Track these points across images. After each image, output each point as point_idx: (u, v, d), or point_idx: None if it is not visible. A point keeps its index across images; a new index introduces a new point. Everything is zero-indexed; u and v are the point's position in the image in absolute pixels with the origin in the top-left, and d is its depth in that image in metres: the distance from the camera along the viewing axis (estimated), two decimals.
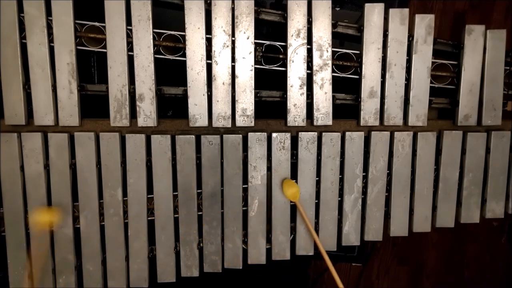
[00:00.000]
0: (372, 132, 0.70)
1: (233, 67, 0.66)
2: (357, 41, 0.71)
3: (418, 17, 0.68)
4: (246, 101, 0.67)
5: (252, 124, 0.67)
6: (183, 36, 0.65)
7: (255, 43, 0.66)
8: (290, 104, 0.68)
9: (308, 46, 0.67)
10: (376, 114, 0.69)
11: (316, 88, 0.68)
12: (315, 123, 0.68)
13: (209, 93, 0.66)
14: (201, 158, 0.67)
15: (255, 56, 0.66)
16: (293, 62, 0.67)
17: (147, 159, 0.67)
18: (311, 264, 1.52)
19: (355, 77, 0.70)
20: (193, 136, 0.66)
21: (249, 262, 0.71)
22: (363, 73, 0.68)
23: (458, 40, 0.72)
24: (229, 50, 0.65)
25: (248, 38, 0.66)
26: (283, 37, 0.67)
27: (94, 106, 0.68)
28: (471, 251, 1.65)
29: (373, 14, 0.67)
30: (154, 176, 0.67)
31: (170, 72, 0.68)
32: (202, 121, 0.66)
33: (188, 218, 0.69)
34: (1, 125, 0.65)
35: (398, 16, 0.68)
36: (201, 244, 0.70)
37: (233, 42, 0.66)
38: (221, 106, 0.66)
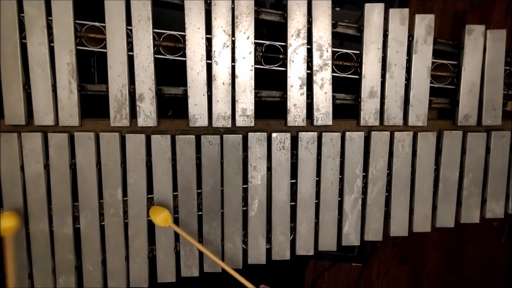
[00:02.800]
0: (372, 132, 0.70)
1: (233, 67, 0.66)
2: (357, 41, 0.71)
3: (418, 17, 0.68)
4: (246, 101, 0.67)
5: (252, 124, 0.67)
6: (183, 36, 0.65)
7: (255, 43, 0.66)
8: (290, 104, 0.68)
9: (308, 46, 0.67)
10: (376, 114, 0.69)
11: (316, 88, 0.68)
12: (315, 123, 0.68)
13: (209, 93, 0.66)
14: (201, 158, 0.67)
15: (255, 56, 0.66)
16: (293, 62, 0.67)
17: (147, 159, 0.67)
18: (308, 266, 1.52)
19: (355, 77, 0.70)
20: (193, 136, 0.66)
21: (249, 262, 0.71)
22: (363, 73, 0.68)
23: (458, 40, 0.72)
24: (229, 50, 0.65)
25: (248, 38, 0.66)
26: (283, 37, 0.67)
27: (94, 106, 0.68)
28: (471, 251, 1.65)
29: (373, 14, 0.67)
30: (154, 176, 0.67)
31: (170, 72, 0.68)
32: (202, 121, 0.66)
33: (188, 218, 0.69)
34: (1, 125, 0.65)
35: (398, 16, 0.68)
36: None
37: (233, 42, 0.66)
38: (221, 106, 0.66)
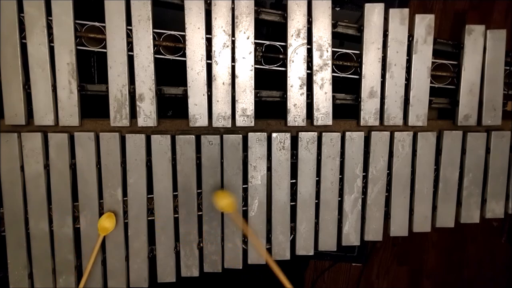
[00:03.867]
0: (372, 132, 0.70)
1: (233, 67, 0.66)
2: (357, 41, 0.71)
3: (418, 17, 0.68)
4: (246, 101, 0.67)
5: (252, 124, 0.67)
6: (183, 36, 0.65)
7: (255, 43, 0.66)
8: (290, 104, 0.68)
9: (308, 46, 0.67)
10: (376, 114, 0.69)
11: (316, 88, 0.68)
12: (315, 123, 0.68)
13: (209, 93, 0.66)
14: (201, 158, 0.67)
15: (255, 56, 0.66)
16: (293, 62, 0.67)
17: (147, 159, 0.67)
18: (308, 266, 1.52)
19: (355, 77, 0.70)
20: (193, 136, 0.66)
21: (249, 262, 0.71)
22: (363, 73, 0.68)
23: (458, 40, 0.72)
24: (229, 50, 0.65)
25: (248, 38, 0.66)
26: (283, 37, 0.67)
27: (94, 106, 0.68)
28: (471, 251, 1.65)
29: (373, 14, 0.67)
30: (154, 176, 0.67)
31: (170, 72, 0.68)
32: (202, 121, 0.66)
33: (188, 218, 0.69)
34: (1, 125, 0.65)
35: (398, 16, 0.68)
36: (201, 244, 0.70)
37: (233, 42, 0.66)
38: (221, 106, 0.66)
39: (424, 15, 0.68)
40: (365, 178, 0.71)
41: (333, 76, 0.68)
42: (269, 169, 0.69)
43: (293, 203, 0.71)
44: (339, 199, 0.71)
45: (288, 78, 0.67)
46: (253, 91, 0.66)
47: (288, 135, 0.68)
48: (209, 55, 0.66)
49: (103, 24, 0.64)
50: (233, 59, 0.66)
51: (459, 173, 0.73)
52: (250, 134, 0.67)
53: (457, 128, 0.72)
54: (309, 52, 0.67)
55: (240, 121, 0.67)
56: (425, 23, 0.68)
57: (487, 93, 0.71)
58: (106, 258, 0.69)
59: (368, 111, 0.69)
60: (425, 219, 0.73)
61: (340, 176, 0.71)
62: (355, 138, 0.69)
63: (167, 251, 0.69)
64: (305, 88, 0.67)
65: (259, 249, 0.66)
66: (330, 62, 0.67)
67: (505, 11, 1.49)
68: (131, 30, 0.64)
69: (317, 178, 0.70)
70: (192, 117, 0.66)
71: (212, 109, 0.66)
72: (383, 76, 0.69)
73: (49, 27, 0.63)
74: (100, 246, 0.66)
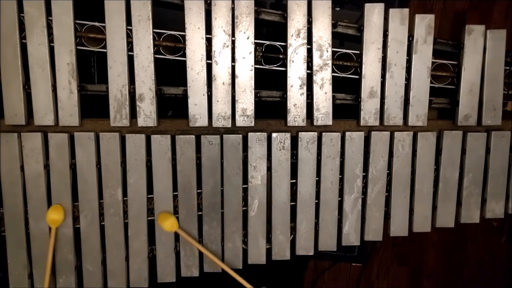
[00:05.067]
0: (372, 132, 0.70)
1: (233, 67, 0.66)
2: (357, 41, 0.71)
3: (418, 17, 0.68)
4: (246, 101, 0.67)
5: (252, 124, 0.67)
6: (183, 36, 0.65)
7: (255, 43, 0.66)
8: (290, 104, 0.68)
9: (308, 46, 0.67)
10: (376, 114, 0.69)
11: (316, 88, 0.68)
12: (315, 123, 0.68)
13: (209, 93, 0.66)
14: (201, 158, 0.67)
15: (255, 56, 0.66)
16: (293, 62, 0.67)
17: (147, 159, 0.67)
18: (308, 266, 1.52)
19: (355, 77, 0.70)
20: (193, 136, 0.66)
21: (249, 262, 0.71)
22: (363, 73, 0.68)
23: (458, 40, 0.72)
24: (229, 50, 0.65)
25: (248, 38, 0.66)
26: (283, 37, 0.67)
27: (94, 106, 0.68)
28: (471, 251, 1.65)
29: (373, 14, 0.67)
30: (154, 176, 0.67)
31: (170, 72, 0.68)
32: (202, 121, 0.66)
33: (188, 218, 0.69)
34: (1, 125, 0.65)
35: (398, 16, 0.68)
36: (201, 244, 0.70)
37: (233, 42, 0.66)
38: (221, 106, 0.66)
39: (424, 15, 0.68)
40: (365, 178, 0.71)
41: (333, 76, 0.68)
42: (269, 169, 0.69)
43: (293, 203, 0.71)
44: (339, 199, 0.71)
45: (288, 78, 0.67)
46: (253, 91, 0.66)
47: (288, 135, 0.68)
48: (209, 55, 0.66)
49: (103, 24, 0.64)
50: (233, 59, 0.66)
51: (459, 173, 0.73)
52: (250, 134, 0.67)
53: (457, 128, 0.72)
54: (309, 52, 0.67)
55: (240, 121, 0.67)
56: (425, 23, 0.68)
57: (487, 93, 0.71)
58: (106, 258, 0.69)
59: (368, 111, 0.69)
60: (425, 219, 0.73)
61: (340, 176, 0.71)
62: (355, 138, 0.69)
63: (167, 251, 0.69)
64: (305, 88, 0.67)
65: (215, 260, 0.67)
66: (330, 62, 0.67)
67: (505, 11, 1.49)
68: (131, 30, 0.64)
69: (317, 178, 0.70)
70: (192, 117, 0.66)
71: (212, 109, 0.66)
72: (383, 76, 0.69)
73: (49, 27, 0.63)
74: (54, 240, 0.66)
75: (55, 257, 0.68)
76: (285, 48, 0.67)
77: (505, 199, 0.75)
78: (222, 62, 0.66)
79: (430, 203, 0.73)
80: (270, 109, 0.70)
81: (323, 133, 0.69)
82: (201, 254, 0.70)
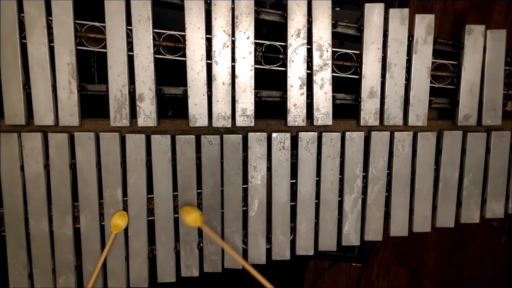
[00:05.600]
0: (372, 132, 0.70)
1: (233, 67, 0.66)
2: (357, 41, 0.71)
3: (418, 17, 0.68)
4: (246, 101, 0.67)
5: (252, 124, 0.67)
6: (183, 36, 0.65)
7: (255, 43, 0.66)
8: (290, 104, 0.68)
9: (308, 46, 0.67)
10: (376, 114, 0.69)
11: (316, 88, 0.68)
12: (315, 123, 0.68)
13: (209, 93, 0.66)
14: (201, 158, 0.67)
15: (255, 56, 0.66)
16: (293, 62, 0.67)
17: (147, 159, 0.67)
18: (308, 266, 1.52)
19: (355, 77, 0.70)
20: (193, 136, 0.66)
21: (249, 262, 0.71)
22: (363, 73, 0.68)
23: (458, 40, 0.72)
24: (229, 50, 0.65)
25: (248, 38, 0.66)
26: (283, 37, 0.67)
27: (94, 106, 0.68)
28: (471, 251, 1.65)
29: (373, 14, 0.67)
30: (154, 176, 0.67)
31: (170, 72, 0.68)
32: (202, 121, 0.66)
33: None
34: (1, 125, 0.65)
35: (398, 16, 0.68)
36: (201, 244, 0.70)
37: (233, 42, 0.66)
38: (221, 106, 0.66)
39: (424, 15, 0.68)
40: (365, 178, 0.71)
41: (333, 76, 0.68)
42: (269, 169, 0.69)
43: (293, 203, 0.71)
44: (339, 199, 0.71)
45: (288, 78, 0.67)
46: (253, 91, 0.66)
47: (288, 135, 0.68)
48: (209, 55, 0.66)
49: (103, 24, 0.64)
50: (233, 59, 0.66)
51: (459, 173, 0.73)
52: (250, 134, 0.67)
53: (457, 128, 0.72)
54: (309, 52, 0.67)
55: (240, 121, 0.67)
56: (425, 23, 0.68)
57: (487, 93, 0.71)
58: (106, 258, 0.69)
59: (368, 111, 0.69)
60: (425, 219, 0.73)
61: (340, 176, 0.71)
62: (355, 138, 0.69)
63: (167, 251, 0.69)
64: (305, 88, 0.67)
65: (237, 258, 0.67)
66: (330, 62, 0.67)
67: (505, 11, 1.49)
68: (131, 30, 0.64)
69: (317, 178, 0.70)
70: (192, 117, 0.66)
71: (212, 109, 0.66)
72: (383, 76, 0.69)
73: (49, 27, 0.63)
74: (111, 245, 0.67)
75: (54, 257, 0.68)
76: (285, 48, 0.67)
77: (505, 199, 0.75)
78: (222, 62, 0.66)
79: (430, 203, 0.73)
80: (270, 109, 0.70)
81: (323, 133, 0.69)
82: (201, 254, 0.70)
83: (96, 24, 0.65)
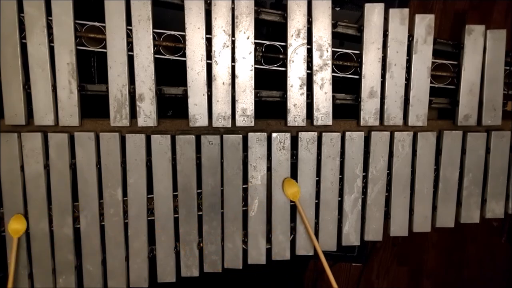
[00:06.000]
0: (372, 132, 0.70)
1: (233, 67, 0.66)
2: (357, 41, 0.71)
3: (418, 17, 0.68)
4: (246, 101, 0.67)
5: (252, 124, 0.67)
6: (183, 36, 0.65)
7: (255, 43, 0.66)
8: (290, 104, 0.68)
9: (308, 46, 0.67)
10: (376, 114, 0.69)
11: (316, 88, 0.68)
12: (315, 123, 0.68)
13: (209, 93, 0.66)
14: (201, 158, 0.67)
15: (255, 56, 0.66)
16: (293, 62, 0.67)
17: (147, 159, 0.67)
18: (308, 267, 1.52)
19: (355, 77, 0.70)
20: (193, 136, 0.66)
21: (249, 262, 0.71)
22: (363, 73, 0.68)
23: (458, 40, 0.72)
24: (229, 50, 0.65)
25: (248, 38, 0.66)
26: (283, 37, 0.67)
27: (94, 106, 0.68)
28: (471, 251, 1.65)
29: (373, 14, 0.67)
30: (154, 176, 0.67)
31: (170, 72, 0.68)
32: (202, 121, 0.66)
33: (188, 218, 0.69)
34: (1, 125, 0.65)
35: (398, 16, 0.68)
36: (201, 244, 0.70)
37: (233, 42, 0.66)
38: (221, 106, 0.66)
39: (424, 15, 0.68)
40: (365, 178, 0.71)
41: (333, 76, 0.68)
42: (269, 169, 0.69)
43: (293, 203, 0.71)
44: (339, 199, 0.71)
45: (288, 78, 0.67)
46: (253, 91, 0.66)
47: (288, 135, 0.68)
48: (209, 55, 0.66)
49: (103, 24, 0.64)
50: (233, 59, 0.66)
51: (459, 173, 0.73)
52: (250, 134, 0.67)
53: (457, 128, 0.72)
54: (309, 52, 0.67)
55: (240, 121, 0.67)
56: (425, 23, 0.68)
57: (487, 93, 0.71)
58: (106, 258, 0.69)
59: (368, 111, 0.69)
60: (425, 219, 0.73)
61: (340, 176, 0.71)
62: (355, 138, 0.69)
63: (167, 251, 0.69)
64: (305, 88, 0.67)
65: (314, 242, 0.68)
66: (330, 62, 0.67)
67: (505, 11, 1.49)
68: (131, 30, 0.64)
69: (317, 178, 0.70)
70: (192, 117, 0.66)
71: (212, 109, 0.66)
72: (383, 76, 0.69)
73: (49, 27, 0.63)
74: (16, 251, 0.65)
75: (54, 257, 0.68)
76: (285, 48, 0.67)
77: (505, 199, 0.75)
78: (222, 62, 0.66)
79: (430, 203, 0.73)
80: (270, 109, 0.70)
81: (323, 133, 0.69)
82: (201, 254, 0.70)
83: (96, 24, 0.65)
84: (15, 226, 0.65)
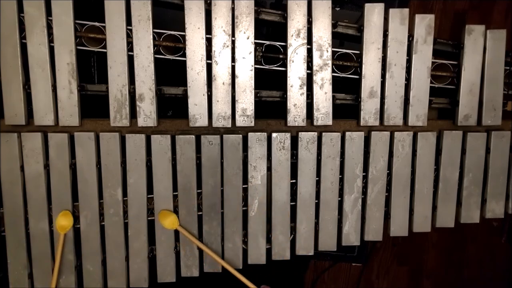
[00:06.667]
0: (372, 132, 0.70)
1: (233, 67, 0.66)
2: (357, 41, 0.71)
3: (418, 17, 0.68)
4: (246, 101, 0.67)
5: (252, 124, 0.67)
6: (183, 36, 0.65)
7: (255, 43, 0.66)
8: (290, 104, 0.68)
9: (308, 46, 0.67)
10: (376, 114, 0.69)
11: (316, 88, 0.68)
12: (315, 123, 0.68)
13: (209, 93, 0.66)
14: (201, 158, 0.67)
15: (255, 56, 0.66)
16: (293, 62, 0.67)
17: (147, 159, 0.67)
18: (308, 267, 1.52)
19: (355, 77, 0.70)
20: (193, 136, 0.66)
21: (249, 262, 0.71)
22: (363, 73, 0.68)
23: (458, 40, 0.72)
24: (229, 50, 0.65)
25: (248, 38, 0.66)
26: (283, 37, 0.67)
27: (94, 106, 0.68)
28: (471, 251, 1.65)
29: (373, 14, 0.67)
30: (154, 176, 0.67)
31: (170, 72, 0.68)
32: (202, 121, 0.66)
33: (188, 218, 0.69)
34: (1, 125, 0.65)
35: (398, 16, 0.68)
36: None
37: (233, 42, 0.66)
38: (221, 106, 0.66)
39: (424, 15, 0.68)
40: (365, 178, 0.71)
41: (333, 76, 0.68)
42: (269, 169, 0.69)
43: (293, 203, 0.71)
44: (339, 199, 0.71)
45: (288, 78, 0.67)
46: (253, 91, 0.66)
47: (288, 135, 0.68)
48: (209, 55, 0.66)
49: (103, 24, 0.64)
50: (233, 59, 0.66)
51: (459, 173, 0.73)
52: (250, 134, 0.67)
53: (457, 128, 0.72)
54: (309, 52, 0.67)
55: (240, 121, 0.67)
56: (425, 23, 0.68)
57: (487, 93, 0.71)
58: (106, 258, 0.69)
59: (368, 111, 0.69)
60: (425, 219, 0.73)
61: (340, 176, 0.71)
62: (355, 138, 0.69)
63: (167, 251, 0.69)
64: (305, 88, 0.67)
65: (215, 258, 0.68)
66: (330, 62, 0.67)
67: (505, 11, 1.49)
68: (131, 30, 0.64)
69: (317, 178, 0.70)
70: (192, 117, 0.66)
71: (212, 109, 0.66)
72: (383, 76, 0.69)
73: (49, 27, 0.63)
74: (62, 246, 0.66)
75: (55, 257, 0.68)
76: (285, 48, 0.67)
77: (505, 199, 0.75)
78: (222, 62, 0.66)
79: (430, 203, 0.73)
80: (270, 109, 0.70)
81: (323, 133, 0.69)
82: (201, 254, 0.70)
83: (96, 24, 0.65)
84: (63, 223, 0.66)
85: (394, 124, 0.70)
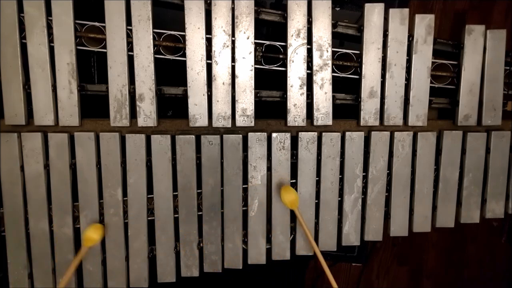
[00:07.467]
0: (372, 132, 0.70)
1: (233, 67, 0.66)
2: (357, 41, 0.71)
3: (418, 17, 0.68)
4: (246, 101, 0.67)
5: (252, 124, 0.67)
6: (183, 36, 0.65)
7: (255, 43, 0.66)
8: (290, 104, 0.68)
9: (308, 46, 0.67)
10: (376, 114, 0.69)
11: (316, 88, 0.68)
12: (315, 123, 0.68)
13: (209, 93, 0.66)
14: (201, 158, 0.67)
15: (255, 56, 0.66)
16: (293, 62, 0.67)
17: (147, 159, 0.67)
18: (308, 267, 1.52)
19: (355, 77, 0.70)
20: (193, 136, 0.66)
21: (249, 262, 0.71)
22: (363, 73, 0.68)
23: (458, 40, 0.72)
24: (229, 50, 0.65)
25: (248, 38, 0.66)
26: (283, 37, 0.67)
27: (94, 106, 0.68)
28: (471, 251, 1.65)
29: (373, 14, 0.67)
30: (154, 176, 0.67)
31: (170, 72, 0.68)
32: (202, 121, 0.66)
33: (188, 218, 0.69)
34: (1, 125, 0.65)
35: (398, 16, 0.68)
36: (201, 244, 0.70)
37: (233, 42, 0.66)
38: (221, 106, 0.66)
39: (424, 15, 0.68)
40: (365, 178, 0.71)
41: (333, 76, 0.68)
42: (269, 169, 0.69)
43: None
44: (339, 199, 0.71)
45: (288, 78, 0.67)
46: (253, 91, 0.66)
47: (288, 135, 0.68)
48: (209, 55, 0.66)
49: (103, 24, 0.64)
50: (233, 59, 0.66)
51: (459, 173, 0.73)
52: (250, 134, 0.67)
53: (457, 128, 0.72)
54: (309, 52, 0.67)
55: (240, 121, 0.67)
56: (425, 23, 0.68)
57: (487, 93, 0.71)
58: (106, 258, 0.69)
59: (368, 111, 0.69)
60: (425, 219, 0.73)
61: (340, 176, 0.71)
62: (355, 138, 0.69)
63: (167, 251, 0.69)
64: (305, 88, 0.67)
65: (314, 246, 0.67)
66: (330, 62, 0.67)
67: (505, 11, 1.49)
68: (131, 30, 0.64)
69: (317, 178, 0.70)
70: (192, 117, 0.66)
71: (212, 109, 0.66)
72: (383, 76, 0.69)
73: (49, 27, 0.63)
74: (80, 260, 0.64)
75: (54, 257, 0.68)
76: (285, 48, 0.67)
77: (505, 199, 0.75)
78: (222, 62, 0.66)
79: (430, 203, 0.73)
80: (270, 109, 0.70)
81: (323, 133, 0.69)
82: (201, 253, 0.70)
83: (96, 24, 0.65)
84: (93, 236, 0.63)
85: (394, 124, 0.70)
